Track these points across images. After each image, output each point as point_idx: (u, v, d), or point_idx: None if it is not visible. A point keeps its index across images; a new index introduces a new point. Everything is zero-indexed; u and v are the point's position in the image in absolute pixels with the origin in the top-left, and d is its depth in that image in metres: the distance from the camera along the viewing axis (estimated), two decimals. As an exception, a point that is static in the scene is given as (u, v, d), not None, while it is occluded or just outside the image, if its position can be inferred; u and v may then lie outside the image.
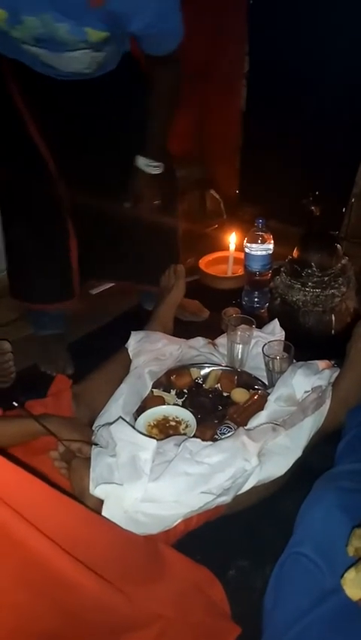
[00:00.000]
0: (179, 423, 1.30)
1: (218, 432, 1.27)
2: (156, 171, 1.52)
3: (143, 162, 1.50)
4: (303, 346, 1.48)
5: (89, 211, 1.56)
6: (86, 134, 1.49)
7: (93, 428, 1.27)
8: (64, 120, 1.45)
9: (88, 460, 1.09)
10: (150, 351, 1.48)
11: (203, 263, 2.15)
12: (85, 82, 1.38)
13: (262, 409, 1.28)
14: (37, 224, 1.56)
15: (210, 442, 1.16)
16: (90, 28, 1.17)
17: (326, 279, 1.70)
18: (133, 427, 1.21)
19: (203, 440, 1.18)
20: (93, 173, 1.51)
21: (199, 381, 1.48)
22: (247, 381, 1.46)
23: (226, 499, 1.11)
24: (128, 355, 1.48)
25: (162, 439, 1.19)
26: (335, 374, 1.34)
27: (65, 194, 1.53)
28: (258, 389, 1.42)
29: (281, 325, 1.61)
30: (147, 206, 1.56)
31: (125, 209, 1.57)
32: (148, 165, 1.50)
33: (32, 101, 1.41)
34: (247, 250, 1.89)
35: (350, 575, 0.75)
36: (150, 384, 1.41)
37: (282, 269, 1.81)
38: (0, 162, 1.52)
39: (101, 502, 1.04)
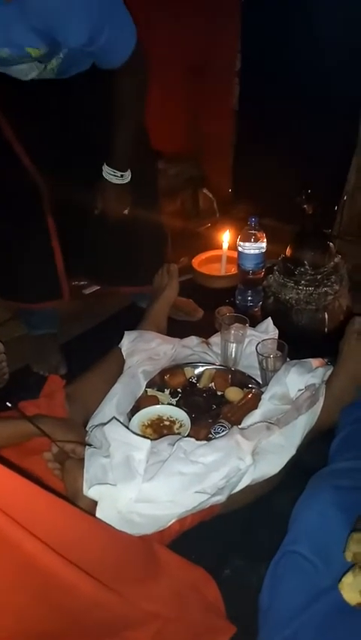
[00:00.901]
0: (173, 422, 1.30)
1: (212, 431, 1.27)
2: (121, 181, 1.51)
3: (107, 171, 1.50)
4: (296, 344, 1.48)
5: (71, 211, 1.55)
6: (62, 132, 1.47)
7: (87, 428, 1.26)
8: (38, 117, 1.44)
9: (82, 460, 1.09)
10: (144, 351, 1.47)
11: (196, 262, 2.15)
12: (57, 81, 1.36)
13: (256, 408, 1.29)
14: (16, 222, 1.54)
15: (205, 442, 1.16)
16: (30, 47, 1.15)
17: (318, 277, 1.70)
18: (127, 427, 1.20)
19: (197, 439, 1.18)
20: (71, 173, 1.49)
21: (193, 381, 1.48)
22: (241, 380, 1.46)
23: (221, 498, 1.11)
24: (122, 355, 1.47)
25: (156, 439, 1.19)
26: (329, 372, 1.34)
27: (46, 193, 1.52)
28: (252, 388, 1.42)
29: (275, 324, 1.61)
30: (114, 215, 1.56)
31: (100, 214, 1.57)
32: (112, 175, 1.50)
33: (4, 97, 1.39)
34: (240, 249, 1.89)
35: (348, 580, 0.74)
36: (143, 383, 1.40)
37: (275, 267, 1.81)
38: None
39: (95, 503, 1.03)
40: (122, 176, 1.50)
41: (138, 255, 1.74)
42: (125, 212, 1.57)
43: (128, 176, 1.51)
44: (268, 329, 1.60)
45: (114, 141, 1.45)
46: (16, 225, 1.55)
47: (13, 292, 1.70)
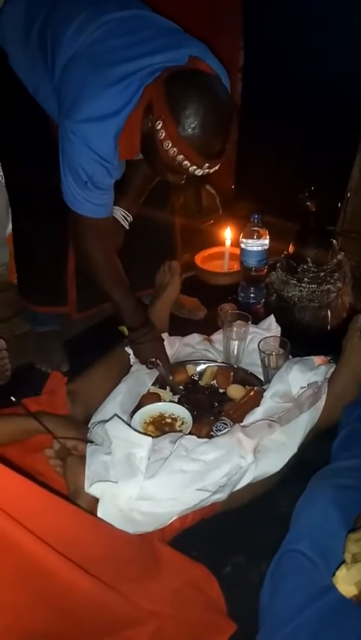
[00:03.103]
0: (175, 420, 1.30)
1: (214, 429, 1.27)
2: (126, 224, 1.57)
3: (119, 213, 1.55)
4: (299, 342, 1.48)
5: None
6: None
7: (89, 426, 1.26)
8: None
9: (83, 458, 1.09)
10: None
11: (199, 259, 2.15)
12: None
13: (258, 406, 1.28)
14: (40, 221, 1.55)
15: (206, 439, 1.16)
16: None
17: (321, 274, 1.70)
18: (129, 425, 1.20)
19: (199, 437, 1.18)
20: None
21: (195, 378, 1.48)
22: (243, 377, 1.46)
23: (222, 496, 1.11)
24: (124, 353, 1.47)
25: (157, 437, 1.19)
26: (331, 370, 1.33)
27: None
28: (254, 385, 1.42)
29: (277, 321, 1.61)
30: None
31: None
32: (124, 217, 1.56)
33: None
34: (242, 246, 1.89)
35: (341, 573, 0.74)
36: (149, 384, 1.41)
37: (278, 264, 1.81)
38: (16, 156, 1.53)
39: (97, 500, 1.03)
40: (130, 221, 1.57)
41: (151, 257, 1.75)
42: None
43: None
44: (271, 326, 1.59)
45: (129, 195, 1.54)
46: (39, 224, 1.56)
47: (26, 291, 1.73)
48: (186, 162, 1.18)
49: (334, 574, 0.75)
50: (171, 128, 1.14)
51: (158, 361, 1.43)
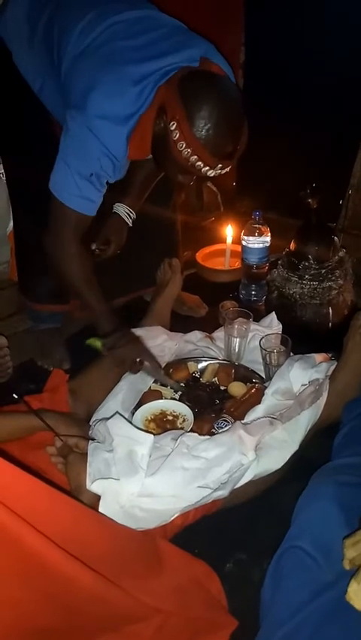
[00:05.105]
0: (176, 417, 1.30)
1: (215, 426, 1.27)
2: (129, 221, 1.57)
3: (123, 210, 1.55)
4: (300, 339, 1.48)
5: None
6: None
7: (90, 423, 1.27)
8: None
9: (85, 455, 1.09)
10: (150, 348, 1.47)
11: (200, 256, 2.15)
12: None
13: (259, 403, 1.28)
14: (43, 224, 1.54)
15: (208, 437, 1.16)
16: None
17: (323, 271, 1.69)
18: (130, 422, 1.20)
19: (200, 434, 1.18)
20: None
21: (196, 375, 1.48)
22: (245, 374, 1.46)
23: (223, 493, 1.11)
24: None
25: (159, 434, 1.19)
26: (333, 367, 1.34)
27: None
28: (255, 382, 1.42)
29: (278, 318, 1.61)
30: (111, 252, 1.56)
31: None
32: (127, 214, 1.56)
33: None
34: (244, 243, 1.89)
35: (353, 588, 0.72)
36: (150, 381, 1.41)
37: (279, 261, 1.81)
38: (18, 154, 1.53)
39: (98, 497, 1.04)
40: (133, 218, 1.57)
41: (152, 254, 1.75)
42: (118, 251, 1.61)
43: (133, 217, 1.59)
44: (272, 323, 1.59)
45: (134, 190, 1.54)
46: (40, 222, 1.55)
47: (26, 290, 1.73)
48: (199, 163, 1.19)
49: (346, 591, 0.74)
50: (185, 128, 1.15)
51: (143, 361, 1.39)
